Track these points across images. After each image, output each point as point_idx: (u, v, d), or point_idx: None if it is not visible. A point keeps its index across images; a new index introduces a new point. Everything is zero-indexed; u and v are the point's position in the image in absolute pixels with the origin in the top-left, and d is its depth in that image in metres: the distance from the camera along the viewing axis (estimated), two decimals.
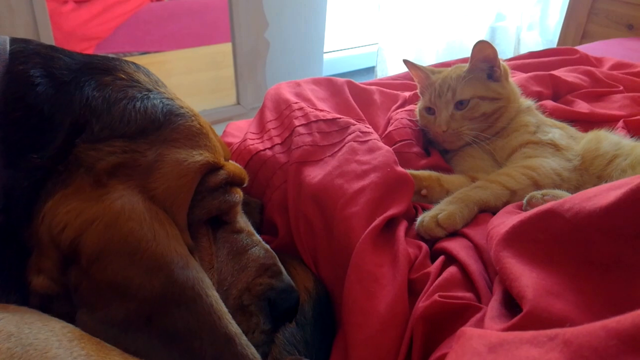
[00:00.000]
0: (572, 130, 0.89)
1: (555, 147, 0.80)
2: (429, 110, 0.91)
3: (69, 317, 0.43)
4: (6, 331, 0.33)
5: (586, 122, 0.96)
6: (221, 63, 2.45)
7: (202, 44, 2.48)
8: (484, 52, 0.86)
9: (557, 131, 0.85)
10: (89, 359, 0.35)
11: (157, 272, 0.44)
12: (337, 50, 3.05)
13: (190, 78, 2.48)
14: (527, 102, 0.93)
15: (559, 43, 2.17)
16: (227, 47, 2.32)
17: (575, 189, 0.75)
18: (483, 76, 0.87)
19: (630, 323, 0.25)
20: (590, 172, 0.77)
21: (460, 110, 0.86)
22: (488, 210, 0.73)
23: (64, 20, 1.98)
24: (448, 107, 0.87)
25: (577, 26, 2.04)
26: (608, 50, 1.58)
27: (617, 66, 1.24)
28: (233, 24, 2.20)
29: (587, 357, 0.26)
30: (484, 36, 2.72)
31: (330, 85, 0.97)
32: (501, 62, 0.88)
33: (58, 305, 0.46)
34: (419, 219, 0.70)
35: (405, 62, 0.98)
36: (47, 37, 1.79)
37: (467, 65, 0.89)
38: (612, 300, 0.38)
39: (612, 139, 0.81)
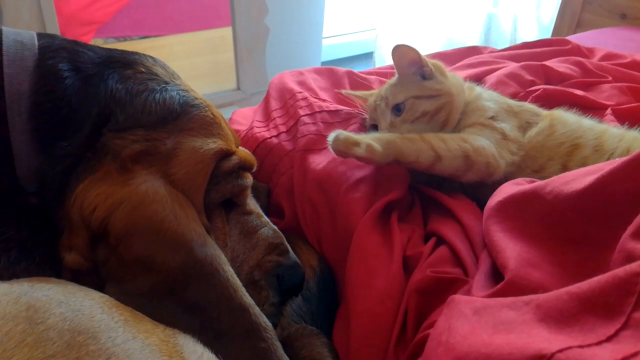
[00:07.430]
0: (531, 113, 0.81)
1: (502, 134, 0.74)
2: (375, 128, 0.83)
3: (97, 289, 0.46)
4: (56, 299, 0.37)
5: (578, 106, 0.95)
6: (221, 48, 2.45)
7: (202, 28, 2.47)
8: (406, 56, 0.78)
9: (507, 126, 0.77)
10: (127, 323, 0.39)
11: (179, 249, 0.48)
12: (336, 36, 3.06)
13: (190, 62, 2.47)
14: (475, 89, 0.84)
15: (553, 32, 2.18)
16: (226, 31, 2.30)
17: (504, 179, 0.69)
18: (415, 78, 0.80)
19: (587, 288, 0.30)
20: (528, 168, 0.73)
21: (399, 116, 0.78)
22: (406, 165, 0.71)
23: (65, 4, 1.98)
24: (386, 116, 0.79)
25: (572, 15, 2.05)
26: (601, 40, 1.60)
27: (607, 57, 1.26)
28: (234, 10, 2.21)
29: (554, 316, 0.31)
30: (481, 23, 2.73)
31: (331, 75, 1.00)
32: (429, 60, 0.80)
33: (87, 279, 0.48)
34: (334, 133, 0.68)
35: (342, 94, 0.91)
36: (51, 21, 1.78)
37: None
38: (581, 272, 0.42)
39: (568, 125, 0.75)
